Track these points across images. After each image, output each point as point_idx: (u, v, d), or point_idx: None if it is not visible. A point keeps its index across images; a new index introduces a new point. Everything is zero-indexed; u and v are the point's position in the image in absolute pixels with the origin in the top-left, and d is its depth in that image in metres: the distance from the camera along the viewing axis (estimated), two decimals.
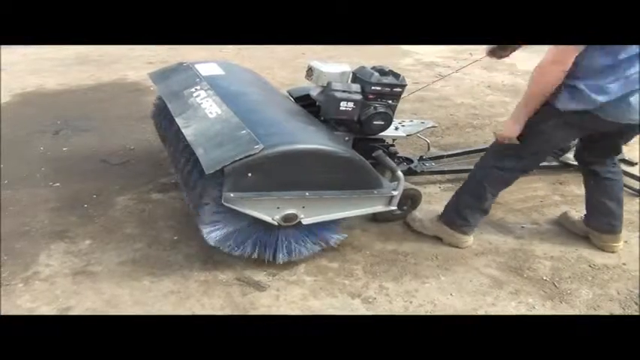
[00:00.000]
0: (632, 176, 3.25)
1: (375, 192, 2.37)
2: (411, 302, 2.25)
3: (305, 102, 2.91)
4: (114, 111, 4.33)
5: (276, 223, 2.24)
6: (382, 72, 2.76)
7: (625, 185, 3.23)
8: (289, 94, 3.04)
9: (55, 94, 4.68)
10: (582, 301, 2.29)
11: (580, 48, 2.08)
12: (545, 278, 2.42)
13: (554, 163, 3.37)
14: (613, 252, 2.63)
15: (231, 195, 2.11)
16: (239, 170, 2.06)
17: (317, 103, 2.82)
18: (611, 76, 2.10)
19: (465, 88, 5.39)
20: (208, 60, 3.20)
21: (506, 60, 6.03)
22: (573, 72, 2.12)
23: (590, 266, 2.52)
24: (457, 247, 2.59)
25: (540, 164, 3.29)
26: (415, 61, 6.32)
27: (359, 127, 2.72)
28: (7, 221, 2.74)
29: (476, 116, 4.52)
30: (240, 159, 2.04)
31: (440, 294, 2.31)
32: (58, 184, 3.13)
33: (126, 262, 2.46)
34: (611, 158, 2.60)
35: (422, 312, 2.20)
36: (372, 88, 2.71)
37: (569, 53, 2.09)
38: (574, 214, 2.83)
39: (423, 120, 3.47)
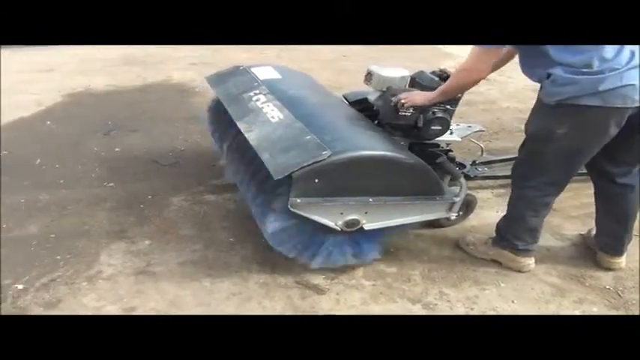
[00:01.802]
0: None
1: (438, 198, 2.36)
2: (472, 309, 2.24)
3: (360, 106, 2.91)
4: (161, 112, 4.39)
5: (339, 229, 2.24)
6: (441, 77, 2.74)
7: None
8: (344, 97, 3.04)
9: (104, 95, 4.77)
10: None
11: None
12: (608, 287, 2.38)
13: None
14: (613, 270, 2.50)
15: (298, 200, 2.12)
16: (307, 176, 2.07)
17: (374, 108, 2.82)
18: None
19: (509, 91, 5.32)
20: (263, 63, 3.22)
21: None
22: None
23: None
24: (519, 270, 2.47)
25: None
26: (457, 64, 6.25)
27: (416, 132, 2.70)
28: (68, 220, 2.79)
29: (523, 120, 4.42)
30: (309, 165, 2.05)
31: (501, 301, 2.28)
32: (112, 184, 3.19)
33: (185, 263, 2.49)
34: (635, 165, 2.37)
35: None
36: None
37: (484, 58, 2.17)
38: (594, 229, 2.68)
39: (470, 124, 3.44)
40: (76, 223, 2.78)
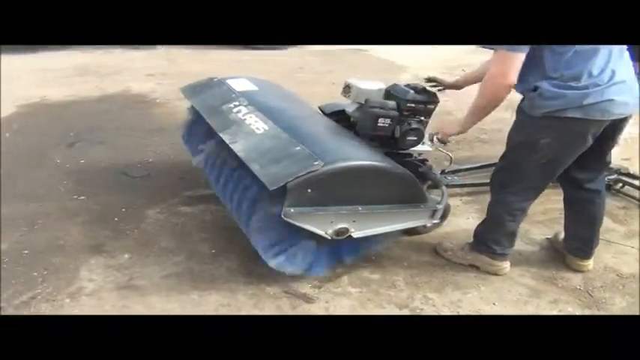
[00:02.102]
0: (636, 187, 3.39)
1: (422, 206, 2.43)
2: (457, 312, 2.32)
3: (337, 117, 2.97)
4: (124, 123, 4.32)
5: (329, 237, 2.28)
6: (416, 89, 2.84)
7: (629, 195, 3.40)
8: (320, 109, 3.09)
9: (63, 106, 4.65)
10: (618, 309, 2.38)
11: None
12: (579, 287, 2.51)
13: None
14: (582, 272, 2.63)
15: (292, 210, 2.15)
16: (300, 186, 2.10)
17: (351, 119, 2.88)
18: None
19: (464, 102, 5.50)
20: (237, 75, 3.23)
21: None
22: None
23: (617, 275, 2.62)
24: (496, 274, 2.56)
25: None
26: (413, 77, 6.42)
27: (393, 142, 2.78)
28: (40, 235, 2.72)
29: (482, 130, 4.63)
30: (303, 175, 2.08)
31: (483, 303, 2.38)
32: (83, 198, 3.12)
33: (170, 276, 2.46)
34: (601, 172, 2.54)
35: None
36: (408, 105, 2.78)
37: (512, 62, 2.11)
38: (561, 234, 2.81)
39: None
40: (49, 238, 2.71)
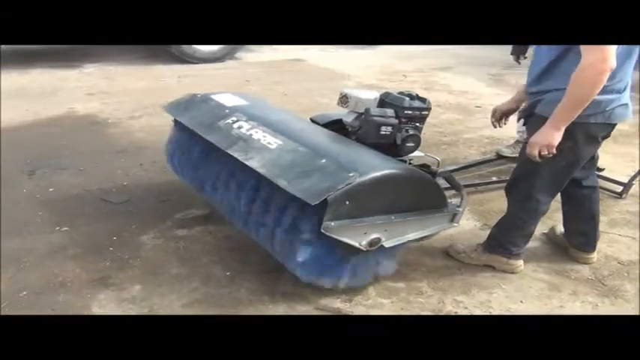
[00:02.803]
0: (613, 180, 3.59)
1: (445, 210, 2.45)
2: (490, 312, 2.35)
3: (333, 127, 2.94)
4: (83, 146, 4.05)
5: (363, 249, 2.24)
6: (411, 96, 2.87)
7: (606, 189, 3.60)
8: (313, 121, 3.05)
9: (9, 131, 4.27)
10: (632, 294, 2.51)
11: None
12: (591, 278, 2.62)
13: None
14: (588, 264, 2.75)
15: (332, 224, 2.10)
16: (339, 199, 2.06)
17: (349, 129, 2.87)
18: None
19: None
20: (222, 91, 3.14)
21: (440, 81, 6.40)
22: None
23: (619, 263, 2.76)
24: (512, 272, 2.63)
25: None
26: (357, 84, 6.50)
27: (394, 150, 2.79)
28: (33, 274, 2.50)
29: (442, 134, 4.76)
30: (342, 187, 2.04)
31: (511, 302, 2.42)
32: (66, 229, 2.89)
33: (192, 304, 2.34)
34: (593, 169, 2.69)
35: None
36: (405, 112, 2.81)
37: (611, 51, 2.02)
38: (558, 229, 2.93)
39: None
40: (44, 275, 2.49)
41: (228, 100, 2.95)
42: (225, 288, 2.45)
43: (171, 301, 2.35)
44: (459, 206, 2.53)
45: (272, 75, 6.70)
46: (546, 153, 2.22)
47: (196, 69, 6.80)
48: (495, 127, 2.81)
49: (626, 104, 2.25)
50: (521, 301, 2.43)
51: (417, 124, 2.89)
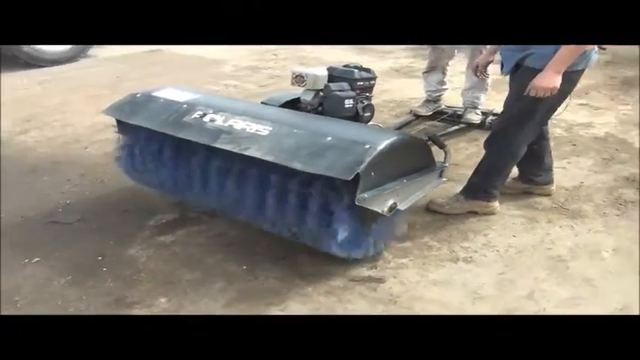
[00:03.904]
0: None
1: (436, 168, 2.64)
2: (497, 250, 2.61)
3: (290, 107, 2.99)
4: None
5: (386, 214, 2.32)
6: (359, 68, 3.04)
7: None
8: (266, 103, 3.05)
9: None
10: (593, 212, 2.92)
11: None
12: (555, 206, 2.99)
13: (462, 126, 4.04)
14: (549, 195, 3.11)
15: (365, 195, 2.17)
16: (367, 170, 2.13)
17: (308, 107, 2.94)
18: None
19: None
20: (159, 87, 3.01)
21: (309, 55, 6.54)
22: None
23: (566, 190, 3.18)
24: (492, 213, 2.90)
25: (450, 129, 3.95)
26: (235, 67, 6.43)
27: (355, 121, 2.93)
28: (38, 310, 2.24)
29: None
30: (368, 159, 2.11)
31: (507, 238, 2.70)
32: (37, 259, 2.59)
33: (231, 303, 2.27)
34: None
35: (512, 253, 2.59)
36: (358, 83, 2.97)
37: None
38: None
39: None
40: (51, 309, 2.24)
41: (174, 94, 2.86)
42: (252, 282, 2.41)
43: (210, 306, 2.26)
44: (444, 162, 2.75)
45: (140, 69, 6.37)
46: (548, 94, 2.50)
47: (52, 72, 6.22)
48: (479, 77, 3.13)
49: (596, 51, 2.61)
50: (514, 236, 2.73)
51: (368, 94, 3.06)
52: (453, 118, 4.12)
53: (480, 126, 3.98)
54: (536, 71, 2.51)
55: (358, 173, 2.08)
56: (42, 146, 4.04)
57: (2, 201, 3.14)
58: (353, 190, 2.15)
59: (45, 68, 6.31)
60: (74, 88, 5.59)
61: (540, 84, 2.49)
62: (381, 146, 2.20)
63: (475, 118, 3.99)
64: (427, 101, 4.29)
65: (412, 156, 2.51)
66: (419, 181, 2.53)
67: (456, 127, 3.92)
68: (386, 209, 2.33)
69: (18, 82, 5.81)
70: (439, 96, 4.22)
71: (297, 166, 2.16)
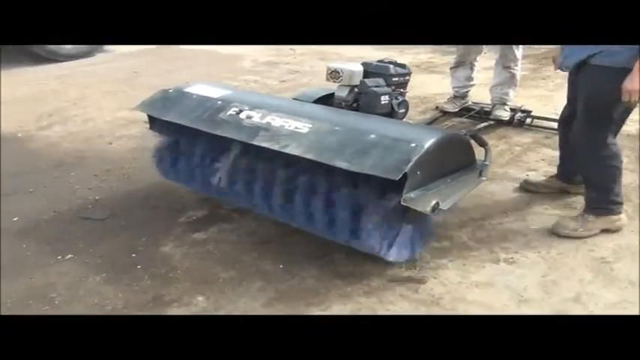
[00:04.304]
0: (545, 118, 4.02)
1: (477, 166, 2.58)
2: (538, 252, 2.55)
3: (324, 103, 2.95)
4: (10, 166, 3.53)
5: (429, 214, 2.26)
6: (393, 64, 2.99)
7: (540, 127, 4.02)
8: (298, 99, 3.00)
9: None
10: (632, 212, 2.84)
11: None
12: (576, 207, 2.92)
13: (490, 123, 3.98)
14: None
15: (412, 195, 2.12)
16: (413, 169, 2.07)
17: (342, 104, 2.89)
18: None
19: None
20: (192, 82, 2.97)
21: (330, 50, 6.44)
22: None
23: None
24: (620, 228, 2.68)
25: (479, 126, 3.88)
26: (253, 62, 6.39)
27: (390, 117, 2.88)
28: (74, 308, 2.20)
29: None
30: (415, 158, 2.05)
31: (547, 238, 2.65)
32: (70, 256, 2.56)
33: (270, 302, 2.23)
34: None
35: (554, 254, 2.53)
36: (393, 79, 2.91)
37: None
38: (533, 178, 3.18)
39: None
40: (88, 307, 2.22)
41: (206, 90, 2.81)
42: (290, 281, 2.37)
43: (248, 305, 2.22)
44: (484, 161, 2.69)
45: (157, 64, 6.37)
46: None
47: (70, 67, 6.24)
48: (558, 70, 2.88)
49: None
50: (554, 237, 2.67)
51: (402, 90, 3.01)
52: (481, 114, 4.07)
53: (509, 122, 3.93)
54: (609, 69, 2.41)
55: (405, 172, 2.03)
56: (66, 141, 4.02)
57: (34, 195, 3.13)
58: (398, 190, 2.10)
59: (62, 63, 6.31)
60: (92, 83, 5.57)
61: (634, 87, 2.32)
62: (428, 144, 2.13)
63: (504, 114, 3.93)
64: (454, 97, 4.23)
65: (455, 154, 2.46)
66: (461, 180, 2.46)
67: (485, 124, 3.87)
68: (429, 209, 2.28)
69: (36, 77, 5.80)
70: (466, 92, 4.16)
71: (341, 164, 2.10)
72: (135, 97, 5.09)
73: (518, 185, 3.18)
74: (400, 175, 2.01)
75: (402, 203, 2.10)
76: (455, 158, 2.45)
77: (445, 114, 4.20)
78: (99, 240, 2.69)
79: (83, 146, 3.91)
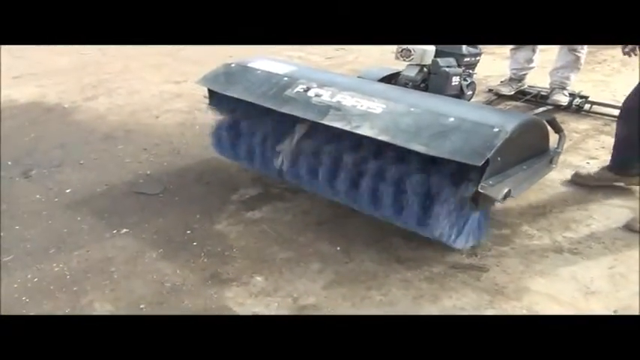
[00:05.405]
0: (605, 104, 3.89)
1: (551, 152, 2.49)
2: (603, 242, 2.46)
3: (391, 81, 2.87)
4: (59, 137, 3.55)
5: (500, 202, 2.19)
6: None
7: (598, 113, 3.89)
8: (363, 78, 2.93)
9: None
10: None
11: None
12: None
13: (548, 108, 3.84)
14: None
15: (490, 182, 2.03)
16: (494, 156, 1.98)
17: (410, 84, 2.80)
18: None
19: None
20: (253, 57, 2.87)
21: None
22: None
23: None
24: (637, 185, 2.84)
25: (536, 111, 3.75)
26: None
27: (458, 98, 2.78)
28: (133, 283, 2.19)
29: None
30: (497, 143, 1.95)
31: (612, 229, 2.56)
32: (126, 230, 2.55)
33: (331, 285, 2.19)
34: None
35: (620, 245, 2.45)
36: (464, 60, 2.81)
37: None
38: (583, 170, 3.05)
39: None
40: (147, 283, 2.20)
41: (270, 66, 2.71)
42: (349, 264, 2.32)
43: (308, 286, 2.18)
44: (557, 148, 2.59)
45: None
46: None
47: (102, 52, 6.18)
48: (630, 57, 2.80)
49: None
50: (619, 228, 2.58)
51: (471, 71, 2.91)
52: (537, 98, 3.94)
53: (567, 108, 3.80)
54: None
55: (488, 158, 1.94)
56: (112, 114, 4.01)
57: (84, 167, 3.13)
58: (474, 177, 2.03)
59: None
60: (134, 55, 5.57)
61: None
62: (511, 129, 2.02)
63: (563, 99, 3.80)
64: (511, 79, 4.10)
65: (534, 140, 2.36)
66: (534, 167, 2.37)
67: (543, 109, 3.73)
68: (501, 196, 2.19)
69: (76, 47, 5.80)
70: (524, 75, 4.03)
71: (418, 148, 2.01)
72: (179, 70, 5.14)
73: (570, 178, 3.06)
74: (483, 161, 1.92)
75: (479, 190, 2.02)
76: (532, 144, 2.35)
77: (500, 97, 4.07)
78: (153, 215, 2.67)
79: (130, 119, 3.90)
